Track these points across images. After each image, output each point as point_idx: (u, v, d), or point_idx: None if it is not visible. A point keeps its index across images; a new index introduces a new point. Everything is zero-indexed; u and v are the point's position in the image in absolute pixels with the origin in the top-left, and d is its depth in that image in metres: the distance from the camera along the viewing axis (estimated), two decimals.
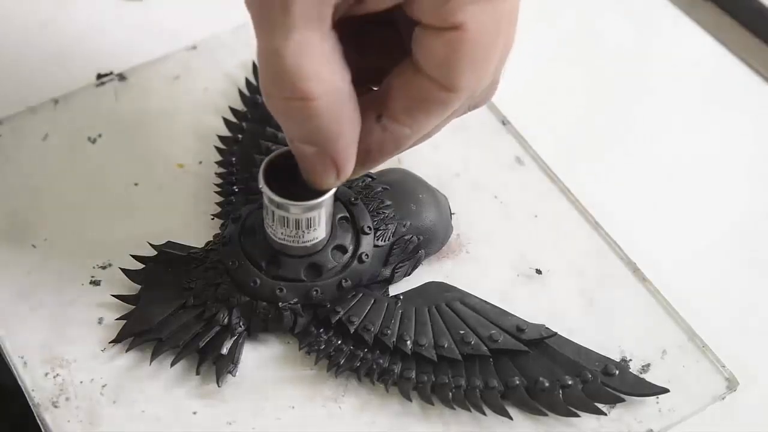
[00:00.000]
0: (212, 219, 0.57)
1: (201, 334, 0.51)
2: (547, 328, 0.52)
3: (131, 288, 0.54)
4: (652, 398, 0.51)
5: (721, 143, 0.63)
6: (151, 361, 0.51)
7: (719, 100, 0.65)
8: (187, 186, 0.59)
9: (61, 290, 0.54)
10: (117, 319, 0.53)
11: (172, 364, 0.51)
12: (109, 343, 0.52)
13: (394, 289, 0.54)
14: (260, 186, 0.48)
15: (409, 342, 0.51)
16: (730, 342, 0.53)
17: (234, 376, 0.51)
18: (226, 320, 0.52)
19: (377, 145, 0.44)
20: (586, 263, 0.56)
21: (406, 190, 0.55)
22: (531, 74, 0.66)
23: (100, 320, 0.53)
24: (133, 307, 0.53)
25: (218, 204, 0.57)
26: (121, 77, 0.63)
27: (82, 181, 0.59)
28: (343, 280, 0.52)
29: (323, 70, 0.40)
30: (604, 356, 0.51)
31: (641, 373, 0.52)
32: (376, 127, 0.44)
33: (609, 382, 0.50)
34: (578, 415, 0.50)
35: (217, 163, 0.59)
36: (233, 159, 0.59)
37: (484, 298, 0.54)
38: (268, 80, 0.41)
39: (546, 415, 0.50)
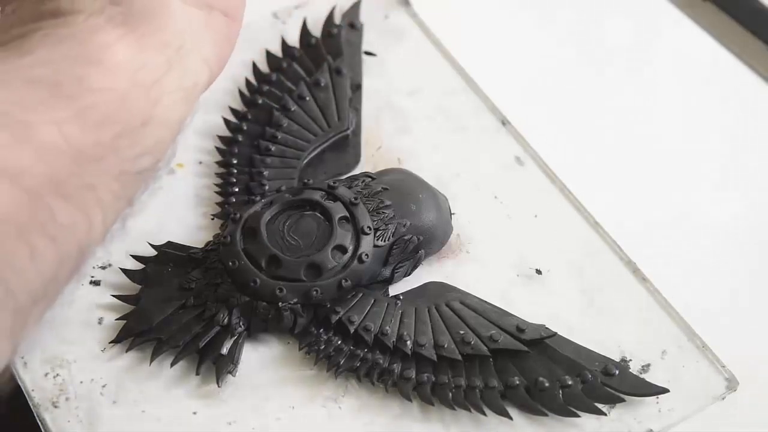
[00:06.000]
0: (212, 219, 0.57)
1: (201, 334, 0.51)
2: (547, 328, 0.52)
3: (131, 288, 0.54)
4: (652, 398, 0.51)
5: (720, 143, 0.63)
6: (151, 361, 0.51)
7: (719, 100, 0.65)
8: (187, 186, 0.59)
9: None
10: (117, 319, 0.53)
11: (172, 364, 0.51)
12: (109, 343, 0.52)
13: (394, 289, 0.54)
14: None
15: (409, 342, 0.51)
16: (730, 342, 0.53)
17: (234, 376, 0.51)
18: (226, 320, 0.52)
19: None
20: (586, 263, 0.56)
21: (406, 190, 0.55)
22: (531, 74, 0.66)
23: (100, 320, 0.53)
24: (133, 307, 0.53)
25: (218, 204, 0.57)
26: None
27: None
28: (343, 280, 0.52)
29: None
30: (604, 356, 0.51)
31: (641, 373, 0.52)
32: None
33: (609, 382, 0.50)
34: (578, 415, 0.50)
35: (217, 163, 0.59)
36: (233, 159, 0.59)
37: (484, 298, 0.54)
38: None
39: (546, 415, 0.50)
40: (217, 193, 0.58)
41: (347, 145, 0.60)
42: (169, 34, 0.41)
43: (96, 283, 0.55)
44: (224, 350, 0.51)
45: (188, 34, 0.42)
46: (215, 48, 0.45)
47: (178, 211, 0.58)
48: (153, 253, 0.55)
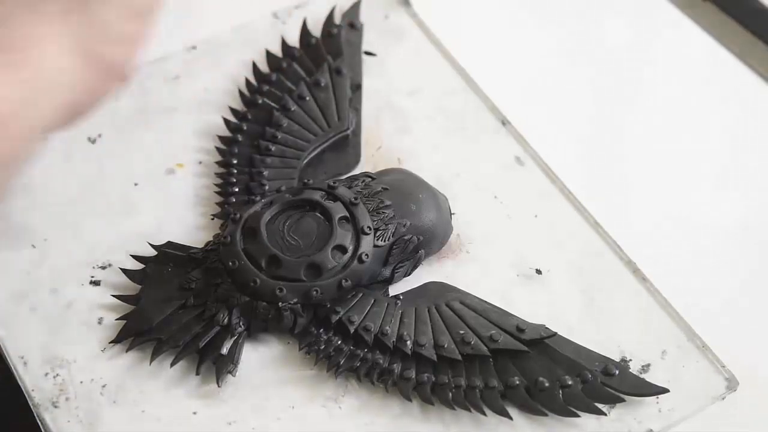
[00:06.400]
0: (212, 219, 0.57)
1: (201, 334, 0.51)
2: (547, 328, 0.52)
3: (131, 288, 0.54)
4: (652, 398, 0.51)
5: (720, 143, 0.63)
6: (151, 361, 0.51)
7: (719, 100, 0.65)
8: (187, 186, 0.59)
9: (60, 290, 0.54)
10: (117, 319, 0.53)
11: (172, 364, 0.51)
12: (109, 343, 0.52)
13: (394, 289, 0.54)
14: None
15: (409, 342, 0.51)
16: (730, 342, 0.53)
17: (234, 376, 0.51)
18: (226, 320, 0.52)
19: None
20: (586, 263, 0.56)
21: (406, 190, 0.55)
22: (531, 74, 0.66)
23: (100, 320, 0.53)
24: (133, 307, 0.53)
25: (218, 204, 0.57)
26: None
27: (81, 181, 0.59)
28: (343, 280, 0.52)
29: None
30: (604, 356, 0.51)
31: (641, 373, 0.52)
32: None
33: (609, 382, 0.50)
34: (578, 415, 0.50)
35: (217, 163, 0.59)
36: (233, 159, 0.59)
37: (484, 298, 0.54)
38: None
39: (546, 415, 0.50)
40: (217, 193, 0.58)
41: (347, 145, 0.60)
42: (33, 72, 0.39)
43: (96, 283, 0.55)
44: (224, 350, 0.51)
45: (52, 78, 0.40)
46: (74, 98, 0.42)
47: (177, 211, 0.58)
48: (153, 253, 0.55)
